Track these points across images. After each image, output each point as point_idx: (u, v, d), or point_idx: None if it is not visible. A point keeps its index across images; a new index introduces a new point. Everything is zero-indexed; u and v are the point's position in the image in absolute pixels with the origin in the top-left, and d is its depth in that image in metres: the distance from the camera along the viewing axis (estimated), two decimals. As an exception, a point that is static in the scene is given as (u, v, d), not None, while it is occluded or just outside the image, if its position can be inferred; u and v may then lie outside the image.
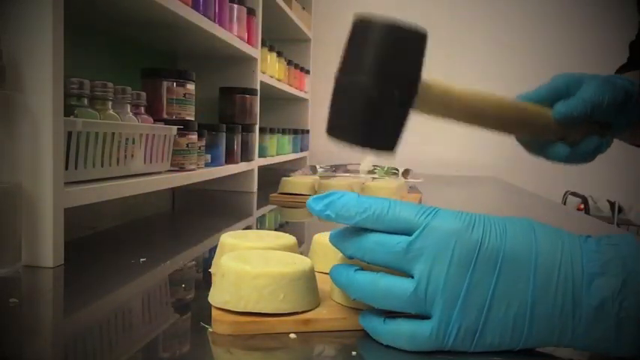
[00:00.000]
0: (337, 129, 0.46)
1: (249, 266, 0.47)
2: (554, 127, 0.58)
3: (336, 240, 0.46)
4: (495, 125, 0.54)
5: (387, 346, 0.43)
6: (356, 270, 0.44)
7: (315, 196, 0.45)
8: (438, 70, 2.45)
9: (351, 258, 0.45)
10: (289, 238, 0.62)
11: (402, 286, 0.42)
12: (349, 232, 0.45)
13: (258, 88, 1.55)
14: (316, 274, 0.56)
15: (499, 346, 0.41)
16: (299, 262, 0.49)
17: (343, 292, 0.49)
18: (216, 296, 0.47)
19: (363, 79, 0.45)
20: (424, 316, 0.42)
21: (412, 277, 0.42)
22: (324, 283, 0.54)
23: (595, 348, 0.40)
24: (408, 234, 0.42)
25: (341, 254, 0.47)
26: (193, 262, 0.73)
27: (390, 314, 0.44)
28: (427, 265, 0.41)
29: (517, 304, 0.40)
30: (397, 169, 1.57)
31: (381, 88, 0.45)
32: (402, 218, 0.42)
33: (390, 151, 0.48)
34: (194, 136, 1.10)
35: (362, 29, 0.47)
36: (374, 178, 1.49)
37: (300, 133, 2.26)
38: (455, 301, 0.40)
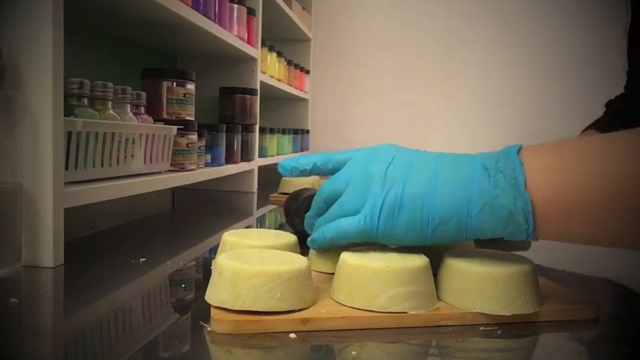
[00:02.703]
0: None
1: (247, 265, 0.47)
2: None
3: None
4: None
5: (386, 346, 0.43)
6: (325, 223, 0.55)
7: (287, 159, 0.58)
8: (438, 67, 2.45)
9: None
10: (290, 237, 0.62)
11: (354, 219, 0.51)
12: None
13: (258, 88, 1.55)
14: (315, 273, 0.56)
15: (414, 222, 0.49)
16: (295, 261, 0.49)
17: (344, 291, 0.50)
18: (214, 295, 0.47)
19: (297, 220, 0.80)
20: None
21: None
22: (324, 283, 0.54)
23: (488, 222, 0.47)
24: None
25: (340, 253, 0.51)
26: (193, 262, 0.73)
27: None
28: (356, 174, 0.53)
29: (424, 185, 0.49)
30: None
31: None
32: (342, 158, 0.56)
33: None
34: (194, 136, 1.10)
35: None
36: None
37: (300, 133, 2.26)
38: (379, 188, 0.50)
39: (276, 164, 0.56)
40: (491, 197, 0.47)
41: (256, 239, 0.60)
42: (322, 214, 0.56)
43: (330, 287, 0.52)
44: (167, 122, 1.03)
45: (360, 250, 0.53)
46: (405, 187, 0.49)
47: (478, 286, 0.49)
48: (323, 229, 0.54)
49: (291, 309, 0.46)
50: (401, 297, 0.48)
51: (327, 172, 0.57)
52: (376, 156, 0.53)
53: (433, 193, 0.49)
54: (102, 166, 0.78)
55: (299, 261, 0.49)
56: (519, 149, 0.49)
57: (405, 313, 0.47)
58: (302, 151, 2.29)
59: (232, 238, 0.60)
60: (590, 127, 0.84)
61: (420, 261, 0.50)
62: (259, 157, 1.60)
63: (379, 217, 0.50)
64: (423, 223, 0.49)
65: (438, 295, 0.51)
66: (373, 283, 0.48)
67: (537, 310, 0.49)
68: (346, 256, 0.51)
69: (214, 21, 1.16)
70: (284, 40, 2.24)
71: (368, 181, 0.51)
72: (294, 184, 1.34)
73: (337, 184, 0.54)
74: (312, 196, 0.86)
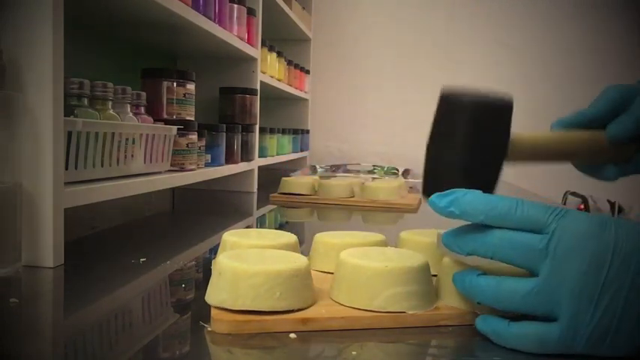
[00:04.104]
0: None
1: (246, 264, 0.47)
2: (608, 149, 0.56)
3: (451, 239, 0.46)
4: (563, 159, 0.58)
5: (386, 347, 0.43)
6: (478, 275, 0.45)
7: (437, 193, 0.45)
8: (438, 67, 2.44)
9: (468, 255, 0.45)
10: (290, 237, 0.62)
11: (527, 284, 0.42)
12: (466, 230, 0.45)
13: (258, 88, 1.55)
14: (316, 272, 0.56)
15: (633, 346, 0.40)
16: (295, 260, 0.49)
17: (344, 291, 0.49)
18: (214, 295, 0.47)
19: (456, 154, 0.51)
20: (549, 319, 0.42)
21: (537, 277, 0.42)
22: (324, 282, 0.54)
23: None
24: (535, 233, 0.42)
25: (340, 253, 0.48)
26: (193, 262, 0.73)
27: (514, 318, 0.43)
28: (556, 264, 0.41)
29: None
30: (397, 169, 1.57)
31: (472, 162, 0.51)
32: (531, 217, 0.42)
33: None
34: (194, 136, 1.10)
35: (451, 104, 0.52)
36: (374, 178, 1.49)
37: (300, 133, 2.26)
38: (588, 302, 0.40)
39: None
40: None
41: (256, 239, 0.60)
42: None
43: (330, 287, 0.52)
44: (167, 122, 1.03)
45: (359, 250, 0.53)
46: (626, 309, 0.40)
47: (478, 286, 0.49)
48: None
49: (291, 308, 0.46)
50: (400, 297, 0.48)
51: (501, 226, 0.43)
52: (591, 250, 0.40)
53: None
54: (102, 166, 0.78)
55: (299, 260, 0.49)
56: None
57: (404, 312, 0.48)
58: (302, 151, 2.29)
59: (232, 238, 0.60)
60: None
61: (419, 261, 0.50)
62: (259, 157, 1.60)
63: (587, 340, 0.40)
64: None
65: (438, 295, 0.51)
66: (372, 282, 0.48)
67: (537, 310, 0.49)
68: (346, 256, 0.51)
69: (214, 21, 1.16)
70: (284, 40, 2.24)
71: (571, 283, 0.40)
72: (294, 184, 1.34)
73: (525, 256, 0.42)
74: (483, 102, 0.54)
